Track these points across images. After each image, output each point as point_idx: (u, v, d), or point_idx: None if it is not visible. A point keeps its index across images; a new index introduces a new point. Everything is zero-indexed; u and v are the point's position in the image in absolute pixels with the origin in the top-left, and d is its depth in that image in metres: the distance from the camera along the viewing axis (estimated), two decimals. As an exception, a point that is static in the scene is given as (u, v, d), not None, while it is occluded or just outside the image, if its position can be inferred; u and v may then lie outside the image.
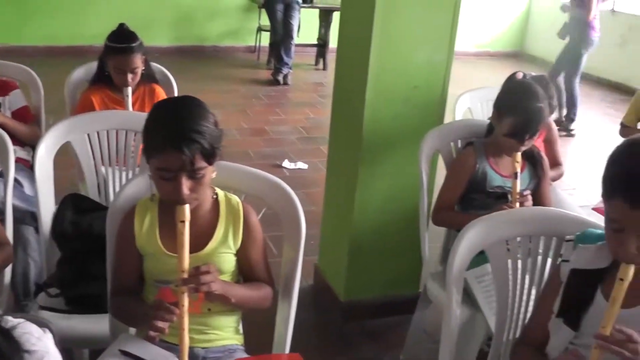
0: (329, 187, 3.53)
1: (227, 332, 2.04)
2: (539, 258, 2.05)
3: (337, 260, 3.37)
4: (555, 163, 3.44)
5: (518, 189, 2.52)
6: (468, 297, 2.39)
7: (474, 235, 1.92)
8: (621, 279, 1.58)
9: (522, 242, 2.02)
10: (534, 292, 2.06)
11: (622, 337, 1.54)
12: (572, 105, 7.14)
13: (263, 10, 8.71)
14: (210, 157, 1.80)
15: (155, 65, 3.46)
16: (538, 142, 3.31)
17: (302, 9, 8.53)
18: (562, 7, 7.39)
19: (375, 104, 3.01)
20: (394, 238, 3.25)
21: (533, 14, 11.26)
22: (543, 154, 2.84)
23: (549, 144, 3.37)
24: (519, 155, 2.55)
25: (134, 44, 3.16)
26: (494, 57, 11.02)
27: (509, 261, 2.00)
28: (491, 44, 11.20)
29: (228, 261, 1.97)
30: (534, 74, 3.01)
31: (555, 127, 3.45)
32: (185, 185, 1.77)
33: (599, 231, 1.72)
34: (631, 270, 1.58)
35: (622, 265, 1.59)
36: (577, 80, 7.14)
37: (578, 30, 7.05)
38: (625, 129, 4.18)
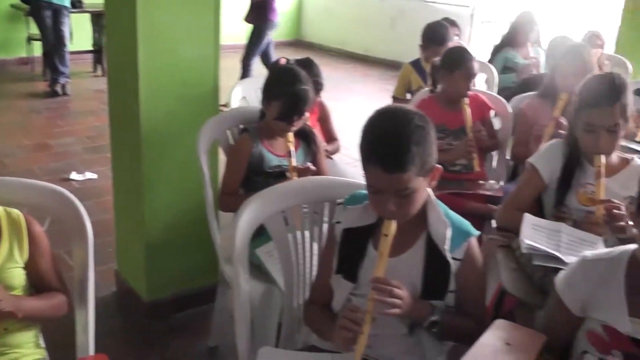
0: (117, 192, 3.52)
1: (27, 348, 2.00)
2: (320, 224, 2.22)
3: (135, 262, 3.38)
4: (331, 138, 3.68)
5: (294, 164, 2.70)
6: (262, 273, 2.53)
7: (252, 210, 2.04)
8: (385, 235, 1.77)
9: (296, 210, 2.18)
10: (316, 256, 2.22)
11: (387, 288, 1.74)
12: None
13: (31, 19, 8.25)
14: None
15: None
16: (313, 121, 3.54)
17: (73, 14, 8.19)
18: None
19: (150, 103, 3.03)
20: (187, 232, 3.31)
21: (306, 2, 11.68)
22: (315, 130, 3.04)
23: (323, 122, 3.60)
24: (290, 135, 2.72)
25: None
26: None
27: (292, 233, 2.16)
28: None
29: (17, 276, 1.93)
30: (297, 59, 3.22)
31: (326, 105, 3.68)
32: None
33: (364, 192, 1.88)
34: (393, 225, 1.77)
35: (384, 222, 1.79)
36: (253, 57, 7.47)
37: (259, 12, 7.44)
38: (396, 101, 4.55)
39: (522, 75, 4.93)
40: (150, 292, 3.35)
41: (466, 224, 1.92)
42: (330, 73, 9.65)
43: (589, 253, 1.75)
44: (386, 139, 1.73)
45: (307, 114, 2.81)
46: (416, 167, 1.72)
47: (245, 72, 7.29)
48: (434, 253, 1.85)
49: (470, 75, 3.41)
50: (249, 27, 7.58)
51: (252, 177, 2.80)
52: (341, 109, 7.45)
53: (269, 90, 2.77)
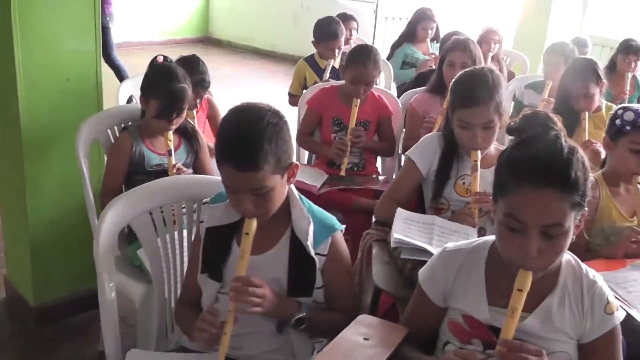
0: (2, 194, 3.38)
1: None
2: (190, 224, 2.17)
3: (22, 266, 3.25)
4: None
5: (173, 162, 2.66)
6: (144, 273, 2.48)
7: (117, 211, 1.97)
8: (246, 233, 1.75)
9: (165, 210, 2.13)
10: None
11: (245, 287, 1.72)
12: (121, 78, 6.87)
13: None
14: None
15: None
16: (202, 117, 3.49)
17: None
18: None
19: (30, 100, 2.91)
20: (73, 233, 3.20)
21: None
22: (203, 128, 2.99)
23: (212, 119, 3.55)
24: (169, 133, 2.68)
25: None
26: (181, 45, 11.13)
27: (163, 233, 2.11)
28: (177, 32, 11.31)
29: None
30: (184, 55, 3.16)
31: (216, 103, 3.63)
32: None
33: None
34: (254, 223, 1.76)
35: (245, 220, 1.77)
36: (113, 53, 7.04)
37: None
38: (292, 98, 4.54)
39: (420, 70, 5.00)
40: (37, 297, 3.23)
41: (330, 218, 1.91)
42: (236, 70, 9.68)
43: (450, 244, 1.76)
44: (237, 137, 1.71)
45: (186, 112, 2.76)
46: (270, 164, 1.70)
47: (118, 72, 6.94)
48: (298, 249, 1.84)
49: (361, 78, 3.36)
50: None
51: (133, 176, 2.73)
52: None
53: (147, 88, 2.71)
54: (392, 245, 2.06)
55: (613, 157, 2.60)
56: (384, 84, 4.85)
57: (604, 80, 3.50)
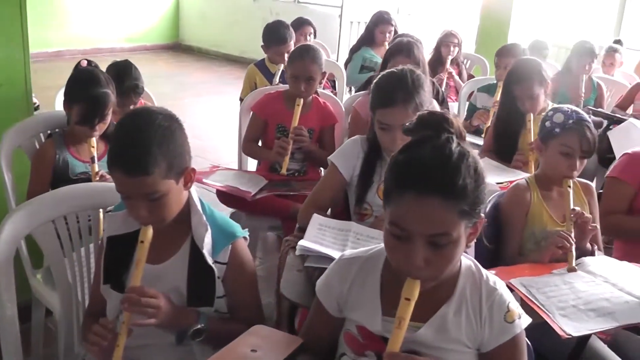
0: None
1: None
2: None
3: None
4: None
5: (96, 169, 2.59)
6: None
7: (17, 221, 1.91)
8: (141, 241, 1.70)
9: (69, 219, 2.06)
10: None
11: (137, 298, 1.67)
12: None
13: None
14: None
15: None
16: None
17: None
18: None
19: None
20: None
21: (183, 4, 11.50)
22: None
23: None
24: (93, 140, 2.61)
25: None
26: (151, 51, 11.08)
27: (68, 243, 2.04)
28: (146, 38, 11.22)
29: None
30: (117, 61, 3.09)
31: None
32: None
33: None
34: (149, 231, 1.71)
35: (142, 229, 1.72)
36: None
37: None
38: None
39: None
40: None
41: (232, 226, 1.86)
42: (206, 76, 9.62)
43: (347, 251, 1.71)
44: (126, 141, 1.67)
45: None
46: (162, 169, 1.65)
47: None
48: (198, 258, 1.79)
49: (300, 73, 3.30)
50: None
51: (58, 184, 2.63)
52: (207, 112, 7.38)
53: (69, 94, 2.66)
54: (297, 252, 2.00)
55: (544, 160, 2.56)
56: (337, 85, 4.81)
57: (549, 81, 3.46)
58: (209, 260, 1.77)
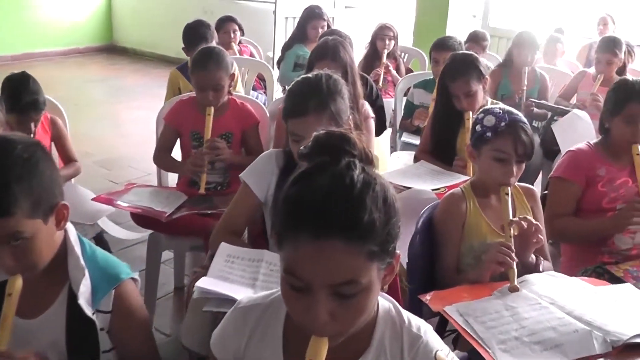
0: None
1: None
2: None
3: None
4: (69, 159, 3.26)
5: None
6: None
7: None
8: (9, 294, 1.46)
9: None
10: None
11: None
12: None
13: None
14: None
15: None
16: (45, 140, 3.10)
17: None
18: None
19: None
20: None
21: (115, 3, 11.06)
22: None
23: (58, 141, 3.19)
24: None
25: None
26: (85, 54, 10.60)
27: None
28: (79, 40, 10.70)
29: None
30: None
31: (61, 123, 3.25)
32: None
33: None
34: (18, 282, 1.47)
35: (9, 280, 1.47)
36: None
37: None
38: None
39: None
40: None
41: (116, 266, 1.59)
42: (139, 79, 9.26)
43: (245, 297, 1.44)
44: None
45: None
46: (25, 208, 1.40)
47: None
48: (76, 308, 1.52)
49: (205, 83, 3.02)
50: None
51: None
52: (140, 118, 7.02)
53: None
54: (194, 296, 1.72)
55: (478, 167, 2.33)
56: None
57: (487, 76, 3.23)
58: (88, 311, 1.51)
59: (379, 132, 4.07)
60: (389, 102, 4.45)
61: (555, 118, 4.44)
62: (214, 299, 1.68)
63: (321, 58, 3.16)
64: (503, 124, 2.20)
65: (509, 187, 2.21)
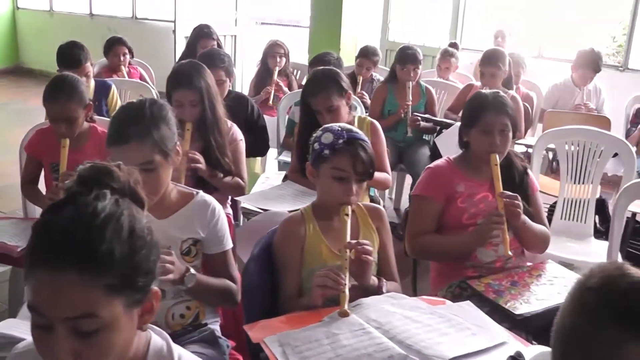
0: None
1: None
2: None
3: None
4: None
5: None
6: None
7: None
8: None
9: None
10: None
11: None
12: None
13: None
14: None
15: None
16: None
17: None
18: None
19: None
20: None
21: (19, 22, 10.79)
22: None
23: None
24: None
25: None
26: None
27: None
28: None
29: None
30: None
31: None
32: None
33: None
34: None
35: None
36: None
37: None
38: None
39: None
40: None
41: None
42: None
43: (21, 343, 1.35)
44: None
45: None
46: None
47: None
48: None
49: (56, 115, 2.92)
50: None
51: None
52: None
53: None
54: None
55: (318, 187, 2.29)
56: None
57: (349, 91, 3.21)
58: None
59: (262, 151, 4.02)
60: (272, 121, 4.39)
61: (442, 131, 4.47)
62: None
63: (176, 87, 3.07)
64: (341, 141, 2.17)
65: (349, 208, 2.18)
